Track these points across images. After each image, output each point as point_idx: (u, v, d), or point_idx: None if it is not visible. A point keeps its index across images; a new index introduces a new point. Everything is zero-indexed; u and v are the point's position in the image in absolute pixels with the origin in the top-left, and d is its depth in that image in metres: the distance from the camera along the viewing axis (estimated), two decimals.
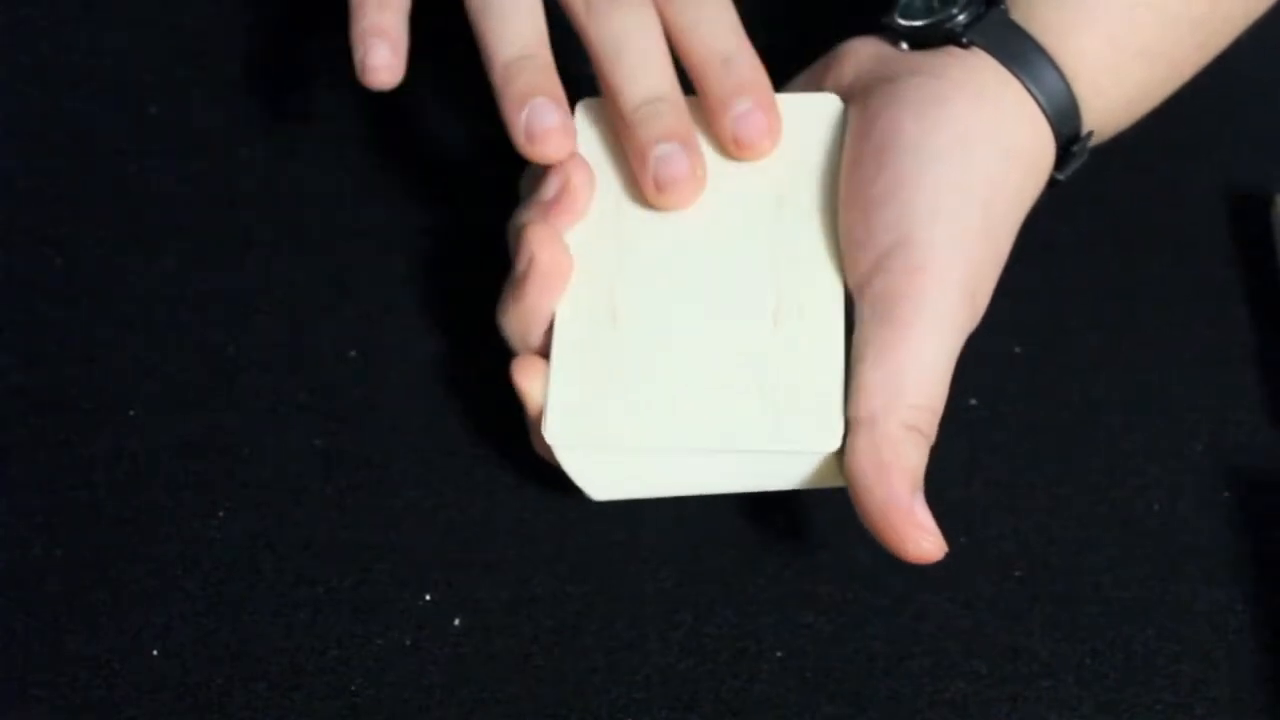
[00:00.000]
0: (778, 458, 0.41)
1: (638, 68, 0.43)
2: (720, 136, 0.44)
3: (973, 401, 0.50)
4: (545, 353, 0.43)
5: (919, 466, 0.40)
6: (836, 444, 0.40)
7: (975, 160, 0.42)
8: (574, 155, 0.44)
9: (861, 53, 0.46)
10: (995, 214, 0.42)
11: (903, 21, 0.45)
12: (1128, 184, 0.55)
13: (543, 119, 0.43)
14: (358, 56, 0.44)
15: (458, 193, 0.55)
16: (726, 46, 0.44)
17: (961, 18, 0.44)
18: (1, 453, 0.49)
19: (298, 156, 0.56)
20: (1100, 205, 0.54)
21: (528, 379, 0.43)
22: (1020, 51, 0.44)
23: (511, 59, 0.43)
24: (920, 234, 0.41)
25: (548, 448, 0.42)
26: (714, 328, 0.42)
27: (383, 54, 0.44)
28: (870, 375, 0.40)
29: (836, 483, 0.42)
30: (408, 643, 0.46)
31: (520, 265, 0.43)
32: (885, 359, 0.40)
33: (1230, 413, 0.50)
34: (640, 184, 0.44)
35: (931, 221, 0.41)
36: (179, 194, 0.55)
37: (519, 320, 0.44)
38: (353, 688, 0.45)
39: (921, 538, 0.39)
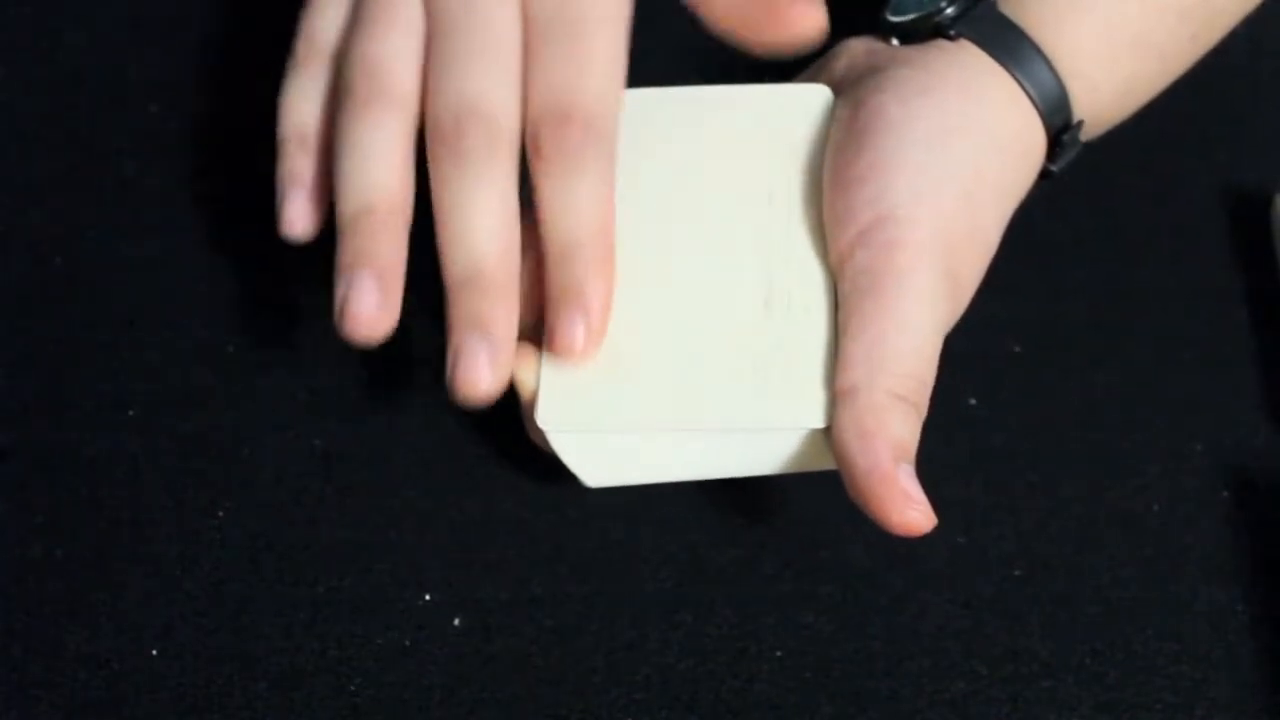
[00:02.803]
0: (766, 437, 0.42)
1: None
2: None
3: (973, 401, 0.50)
4: (539, 341, 0.43)
5: (906, 437, 0.39)
6: (820, 420, 0.40)
7: (958, 148, 0.42)
8: None
9: (854, 50, 0.47)
10: (979, 201, 0.42)
11: (892, 17, 0.46)
12: (1127, 184, 0.55)
13: (358, 299, 0.39)
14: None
15: None
16: (576, 236, 0.40)
17: (950, 11, 0.45)
18: (1, 453, 0.49)
19: None
20: (1100, 205, 0.54)
21: (521, 366, 0.43)
22: (1009, 43, 0.44)
23: (354, 212, 0.40)
24: (900, 210, 0.41)
25: (542, 434, 0.42)
26: (704, 313, 0.42)
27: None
28: (852, 347, 0.40)
29: (831, 465, 0.42)
30: (408, 643, 0.46)
31: None
32: (866, 331, 0.40)
33: (1230, 413, 0.50)
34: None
35: (912, 200, 0.41)
36: (179, 194, 0.55)
37: None
38: (352, 688, 0.45)
39: (907, 506, 0.39)
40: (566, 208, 0.40)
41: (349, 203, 0.41)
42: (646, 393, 0.42)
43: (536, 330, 0.43)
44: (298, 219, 0.43)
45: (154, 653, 0.46)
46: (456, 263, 0.40)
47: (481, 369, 0.40)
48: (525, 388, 0.43)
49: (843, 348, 0.40)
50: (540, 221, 0.41)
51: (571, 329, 0.40)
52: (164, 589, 0.47)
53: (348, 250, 0.40)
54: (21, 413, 0.50)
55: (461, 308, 0.40)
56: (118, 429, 0.50)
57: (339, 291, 0.40)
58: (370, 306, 0.40)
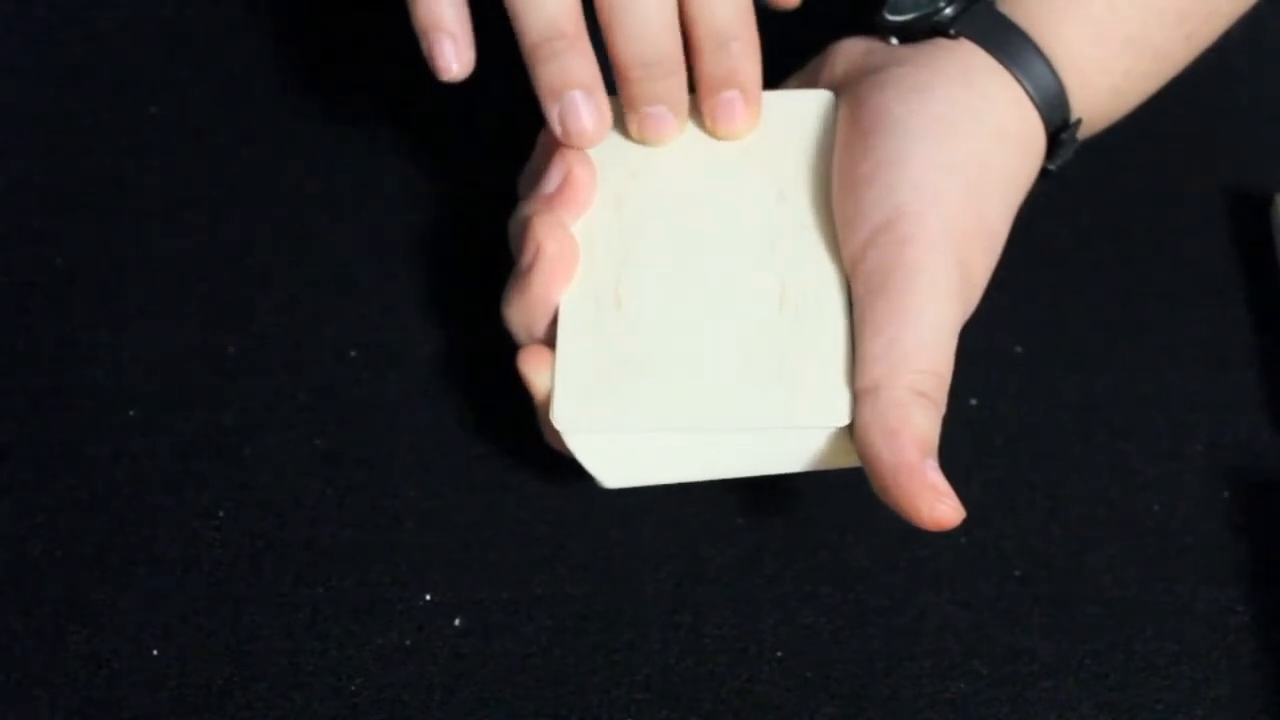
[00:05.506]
0: (787, 435, 0.42)
1: None
2: (702, 113, 0.45)
3: (973, 401, 0.50)
4: (550, 343, 0.43)
5: (928, 432, 0.40)
6: (844, 418, 0.40)
7: (959, 140, 0.42)
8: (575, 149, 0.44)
9: (852, 50, 0.47)
10: (983, 193, 0.42)
11: (891, 17, 0.46)
12: (1128, 184, 0.55)
13: (576, 119, 0.43)
14: (425, 53, 0.44)
15: (458, 193, 0.55)
16: (727, 29, 0.43)
17: (948, 10, 0.45)
18: (1, 453, 0.49)
19: (298, 156, 0.56)
20: (1100, 205, 0.54)
21: (534, 368, 0.43)
22: (1007, 41, 0.44)
23: (541, 38, 0.42)
24: (908, 207, 0.41)
25: (558, 436, 0.42)
26: (719, 312, 0.43)
27: (447, 50, 0.44)
28: (870, 346, 0.40)
29: (850, 462, 0.42)
30: (408, 643, 0.46)
31: (526, 256, 0.43)
32: (883, 329, 0.40)
33: (1230, 413, 0.50)
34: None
35: (918, 195, 0.41)
36: (179, 194, 0.55)
37: (524, 311, 0.44)
38: (353, 688, 0.45)
39: (936, 500, 0.39)
40: (716, 4, 0.43)
41: (534, 28, 0.42)
42: (663, 391, 0.42)
43: (550, 335, 0.43)
44: (452, 61, 0.44)
45: (154, 653, 0.45)
46: (632, 53, 0.43)
47: (668, 129, 0.45)
48: (539, 389, 0.43)
49: (861, 346, 0.41)
50: (688, 20, 0.43)
51: (733, 108, 0.44)
52: (164, 589, 0.47)
53: (550, 74, 0.43)
54: (21, 413, 0.50)
55: (640, 88, 0.44)
56: (118, 429, 0.50)
57: (553, 114, 0.43)
58: (589, 122, 0.43)
